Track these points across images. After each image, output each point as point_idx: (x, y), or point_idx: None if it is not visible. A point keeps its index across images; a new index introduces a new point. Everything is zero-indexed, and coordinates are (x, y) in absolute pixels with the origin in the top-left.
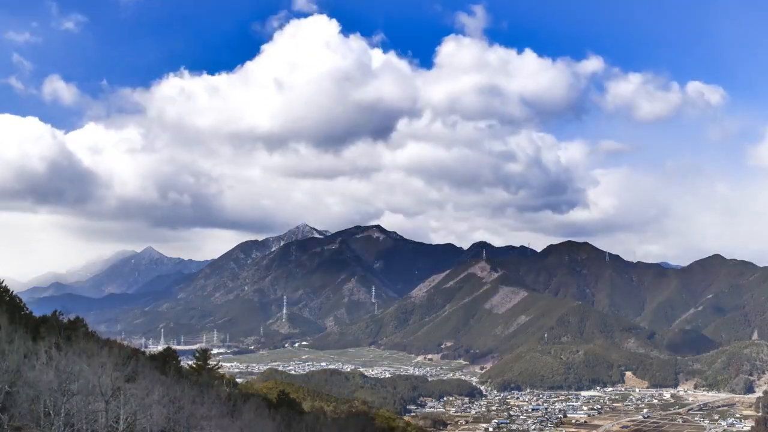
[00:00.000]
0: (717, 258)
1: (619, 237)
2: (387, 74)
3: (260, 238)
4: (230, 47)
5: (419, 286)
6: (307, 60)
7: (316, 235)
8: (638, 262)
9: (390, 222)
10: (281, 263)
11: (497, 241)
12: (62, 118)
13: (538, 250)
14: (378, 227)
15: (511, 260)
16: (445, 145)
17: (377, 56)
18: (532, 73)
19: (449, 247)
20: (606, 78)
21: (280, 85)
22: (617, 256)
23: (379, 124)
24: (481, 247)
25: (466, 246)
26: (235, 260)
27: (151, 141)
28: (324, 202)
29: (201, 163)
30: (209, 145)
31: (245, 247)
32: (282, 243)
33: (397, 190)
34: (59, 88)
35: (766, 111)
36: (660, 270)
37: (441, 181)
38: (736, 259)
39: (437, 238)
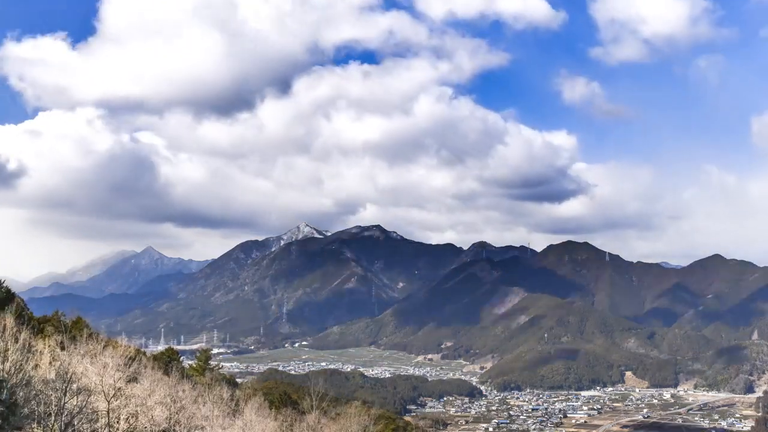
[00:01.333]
0: (717, 258)
1: (616, 233)
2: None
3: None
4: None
5: (419, 286)
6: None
7: (316, 235)
8: (638, 261)
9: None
10: (281, 263)
11: (497, 241)
12: None
13: (538, 250)
14: (378, 227)
15: (511, 260)
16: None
17: None
18: None
19: (449, 247)
20: None
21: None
22: (617, 256)
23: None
24: (481, 247)
25: (466, 246)
26: (235, 260)
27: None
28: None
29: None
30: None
31: (245, 247)
32: (282, 243)
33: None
34: None
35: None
36: (660, 270)
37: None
38: (736, 259)
39: (433, 237)
